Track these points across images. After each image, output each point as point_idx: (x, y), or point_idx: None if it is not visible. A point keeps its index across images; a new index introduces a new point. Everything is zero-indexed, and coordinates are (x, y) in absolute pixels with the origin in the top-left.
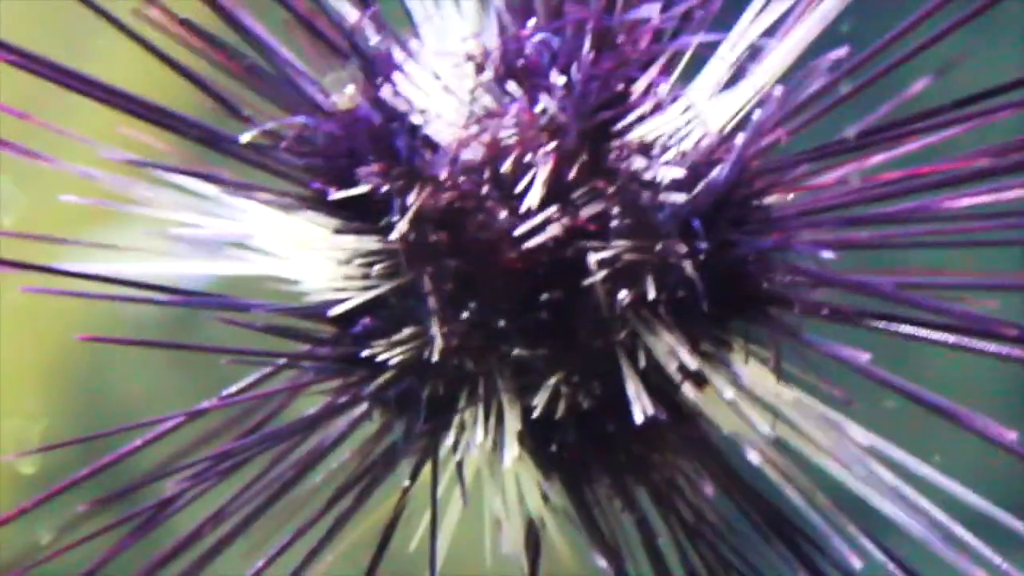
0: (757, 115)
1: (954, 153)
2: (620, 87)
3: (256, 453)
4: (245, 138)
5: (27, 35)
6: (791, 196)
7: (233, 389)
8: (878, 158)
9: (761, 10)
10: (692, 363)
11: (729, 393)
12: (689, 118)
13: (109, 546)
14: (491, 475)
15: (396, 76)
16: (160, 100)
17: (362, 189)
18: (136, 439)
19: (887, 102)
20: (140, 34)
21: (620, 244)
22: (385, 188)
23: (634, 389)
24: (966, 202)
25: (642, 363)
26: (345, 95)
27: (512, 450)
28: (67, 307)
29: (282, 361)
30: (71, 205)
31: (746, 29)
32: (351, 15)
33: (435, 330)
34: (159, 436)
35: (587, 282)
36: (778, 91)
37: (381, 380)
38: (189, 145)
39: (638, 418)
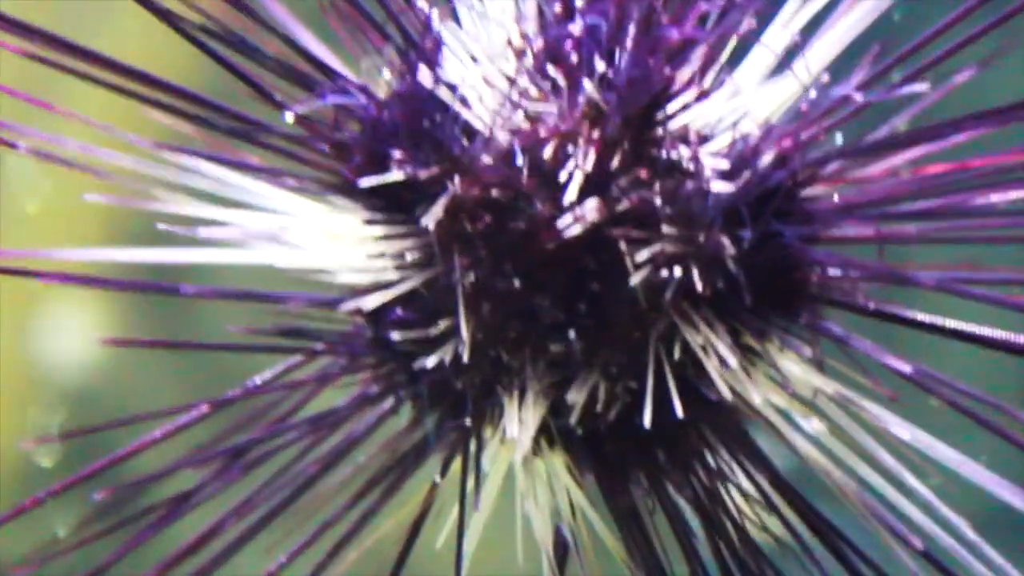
0: (804, 105)
1: (1002, 147)
2: (665, 73)
3: (282, 446)
4: (288, 118)
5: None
6: (836, 188)
7: (258, 380)
8: (924, 150)
9: None
10: (733, 357)
11: (758, 399)
12: (735, 106)
13: (126, 540)
14: (524, 471)
15: (434, 61)
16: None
17: (396, 176)
18: (155, 430)
19: (936, 92)
20: (165, 9)
21: (662, 234)
22: (421, 176)
23: (670, 385)
24: (1013, 195)
25: (681, 357)
26: (381, 80)
27: (525, 442)
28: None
29: (309, 352)
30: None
31: (794, 14)
32: None
33: (465, 321)
34: (179, 428)
35: (629, 276)
36: (825, 79)
37: (413, 372)
38: (218, 134)
39: (648, 418)
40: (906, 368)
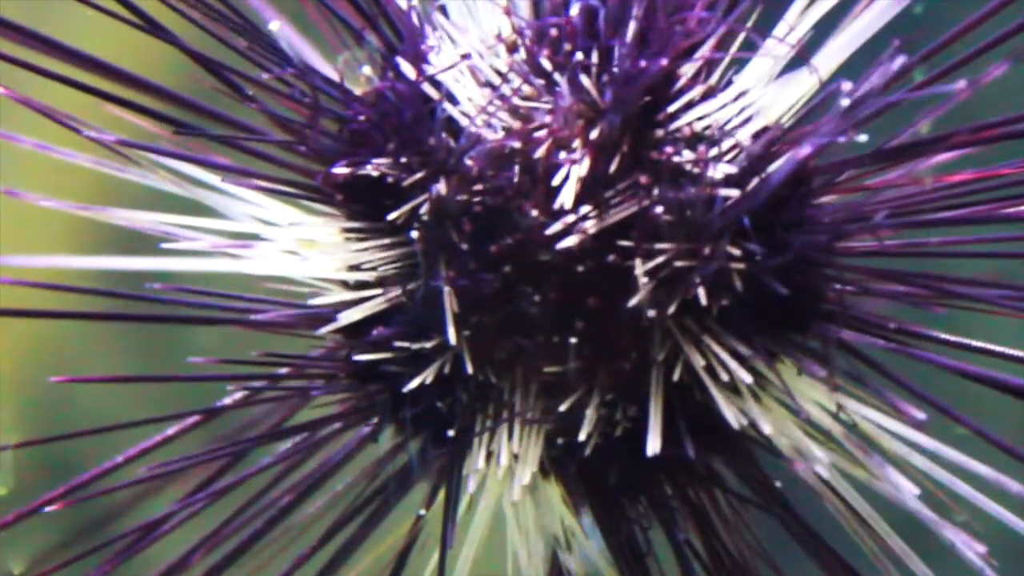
0: (819, 105)
1: None
2: (667, 67)
3: (254, 473)
4: (259, 74)
5: None
6: (853, 197)
7: (227, 401)
8: (947, 156)
9: None
10: (743, 378)
11: (768, 427)
12: (743, 106)
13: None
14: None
15: (420, 56)
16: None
17: (373, 173)
18: (117, 455)
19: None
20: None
21: (663, 246)
22: (405, 180)
23: (673, 413)
24: None
25: (685, 380)
26: (361, 77)
27: (526, 476)
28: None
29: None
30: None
31: (809, 6)
32: None
33: (454, 341)
34: (145, 451)
35: (629, 292)
36: (846, 85)
37: (395, 394)
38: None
39: (656, 449)
40: (920, 415)
